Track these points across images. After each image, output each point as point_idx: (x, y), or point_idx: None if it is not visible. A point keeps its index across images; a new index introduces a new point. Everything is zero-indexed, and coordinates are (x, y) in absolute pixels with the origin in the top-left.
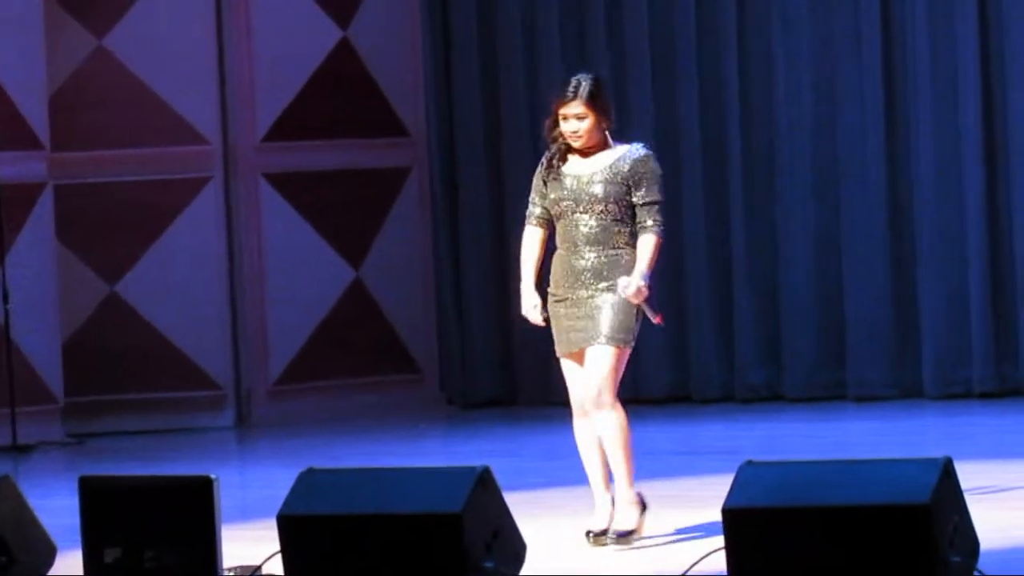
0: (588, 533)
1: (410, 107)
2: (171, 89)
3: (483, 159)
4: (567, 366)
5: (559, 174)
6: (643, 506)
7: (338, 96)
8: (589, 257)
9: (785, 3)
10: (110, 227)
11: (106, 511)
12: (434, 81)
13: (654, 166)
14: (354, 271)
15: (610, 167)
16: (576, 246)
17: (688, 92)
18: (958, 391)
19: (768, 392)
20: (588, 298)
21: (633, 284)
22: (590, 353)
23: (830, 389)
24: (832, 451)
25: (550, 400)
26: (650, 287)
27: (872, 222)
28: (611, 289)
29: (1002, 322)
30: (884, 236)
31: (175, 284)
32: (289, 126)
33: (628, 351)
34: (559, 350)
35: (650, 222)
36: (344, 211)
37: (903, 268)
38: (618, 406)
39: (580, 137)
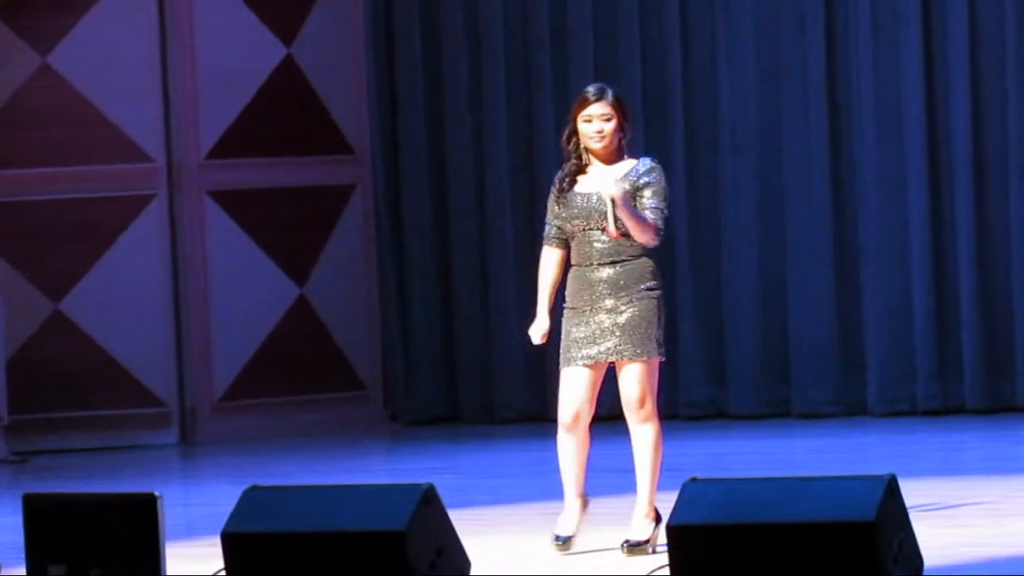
0: (557, 538)
1: (354, 124)
2: (115, 107)
3: (427, 177)
4: (571, 376)
5: (569, 195)
6: (659, 519)
7: (282, 113)
8: (605, 271)
9: (729, 25)
10: (54, 244)
11: (50, 528)
12: (378, 99)
13: (661, 177)
14: (299, 288)
15: (618, 181)
16: (591, 261)
17: (631, 100)
18: (902, 409)
19: (712, 409)
20: (608, 311)
21: (621, 187)
22: (626, 369)
23: (774, 406)
24: (776, 468)
25: (493, 418)
26: (620, 230)
27: (816, 241)
28: (629, 299)
29: (946, 340)
30: (828, 255)
31: (119, 301)
32: (233, 143)
33: (661, 361)
34: (570, 359)
35: (651, 216)
36: (289, 228)
37: (847, 286)
38: (657, 420)
39: (604, 137)
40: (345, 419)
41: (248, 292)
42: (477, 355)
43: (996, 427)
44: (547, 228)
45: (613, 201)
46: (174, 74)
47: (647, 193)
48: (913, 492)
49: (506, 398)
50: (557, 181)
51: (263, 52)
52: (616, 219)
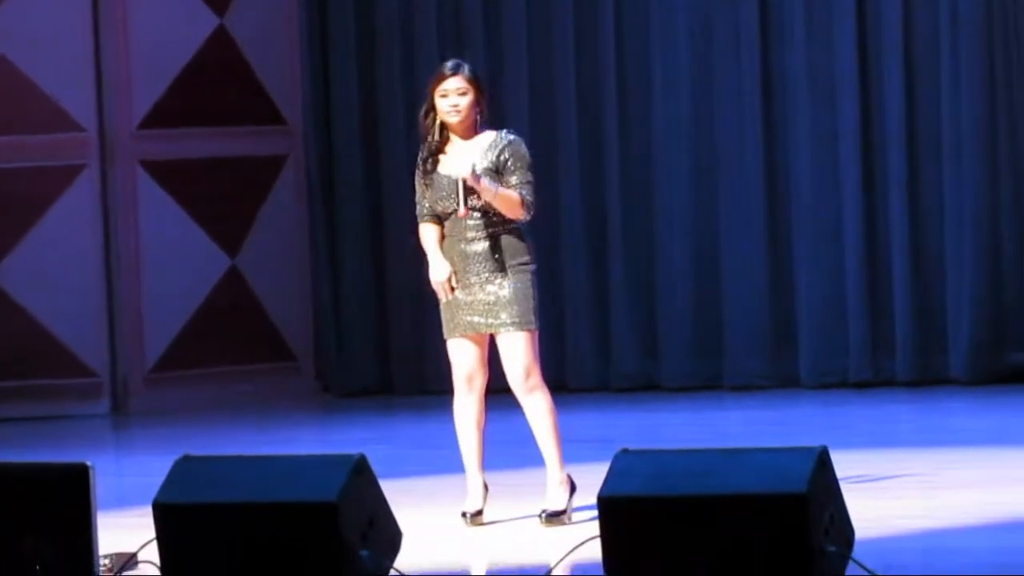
0: (464, 514)
1: (287, 95)
2: (46, 76)
3: (359, 147)
4: (457, 345)
5: (432, 177)
6: (573, 487)
7: (215, 84)
8: (479, 244)
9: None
10: None
11: None
12: (311, 69)
13: (523, 151)
14: (230, 259)
15: (482, 156)
16: (463, 235)
17: (565, 85)
18: (834, 381)
19: (644, 381)
20: (483, 284)
21: (470, 166)
22: (505, 340)
23: (707, 379)
24: (708, 440)
25: (425, 389)
26: (480, 207)
27: (750, 213)
28: (504, 273)
29: (878, 313)
30: (761, 227)
31: (51, 272)
32: (166, 113)
33: (537, 333)
34: (451, 331)
35: (519, 191)
36: (221, 199)
37: (780, 259)
38: (546, 389)
39: (460, 111)
40: (277, 390)
41: (180, 263)
42: (409, 327)
43: (927, 400)
44: (418, 207)
45: (464, 181)
46: (106, 43)
47: (510, 167)
48: (845, 464)
49: (438, 370)
50: (420, 163)
51: (196, 22)
52: (467, 198)
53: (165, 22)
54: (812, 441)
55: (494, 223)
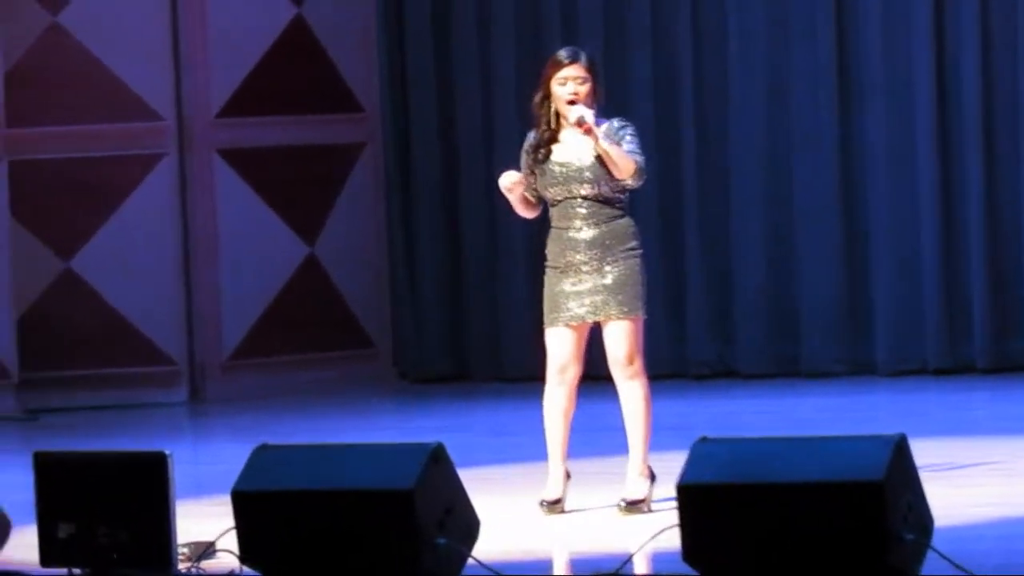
0: (542, 503)
1: (364, 83)
2: (125, 65)
3: (436, 134)
4: (557, 333)
5: (545, 166)
6: (652, 477)
7: (292, 72)
8: (587, 232)
9: None
10: (64, 203)
11: (60, 487)
12: (387, 56)
13: (632, 128)
14: (308, 247)
15: (593, 145)
16: (573, 224)
17: (641, 69)
18: (911, 367)
19: (720, 368)
20: (592, 271)
21: (589, 114)
22: (612, 327)
23: (783, 365)
24: (785, 428)
25: (503, 376)
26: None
27: (825, 197)
28: (614, 259)
29: (955, 299)
30: (837, 211)
31: (129, 260)
32: (243, 102)
33: (644, 319)
34: (553, 320)
35: (633, 157)
36: (298, 187)
37: (856, 243)
38: (646, 378)
39: (579, 100)
40: (354, 377)
41: (257, 251)
42: (486, 313)
43: (1005, 387)
44: None
45: (583, 121)
46: (184, 32)
47: (626, 139)
48: (922, 452)
49: (515, 356)
50: (531, 150)
51: (273, 10)
52: (582, 118)
53: (243, 10)
54: (889, 429)
55: (603, 210)
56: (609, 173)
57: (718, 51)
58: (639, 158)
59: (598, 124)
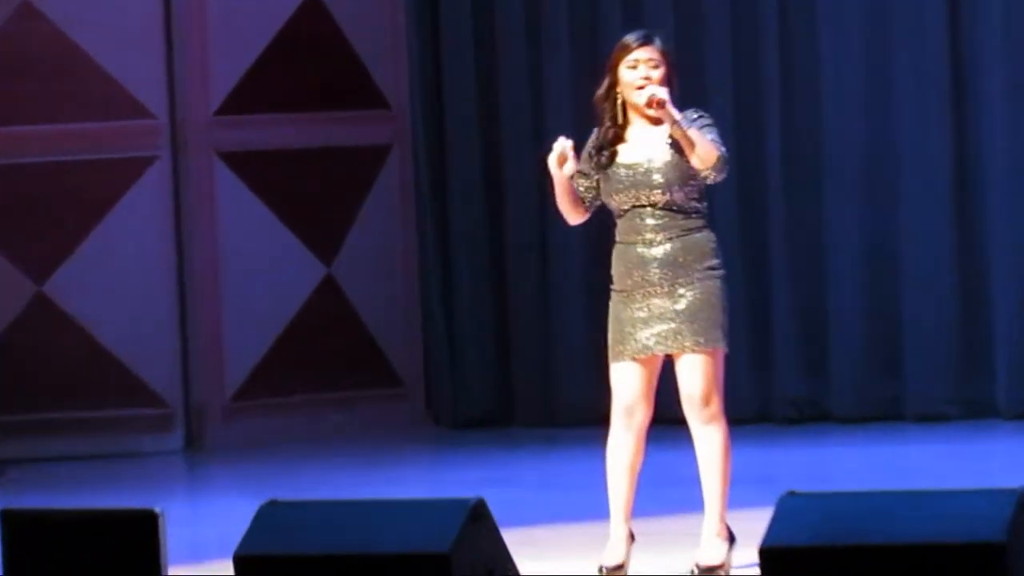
0: (601, 568)
1: (391, 75)
2: (110, 54)
3: (477, 136)
4: (623, 370)
5: (610, 170)
6: (732, 539)
7: (306, 62)
8: (659, 248)
9: None
10: (38, 215)
11: (33, 550)
12: (419, 44)
13: (710, 119)
14: (325, 267)
15: (665, 144)
16: (643, 238)
17: (718, 67)
18: None
19: (812, 410)
20: (665, 294)
21: (664, 92)
22: (687, 360)
23: (885, 406)
24: (888, 480)
25: (554, 420)
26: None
27: (934, 215)
28: (690, 280)
29: None
30: (948, 231)
31: (114, 282)
32: (248, 97)
33: (725, 352)
34: (619, 353)
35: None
36: (313, 196)
37: (970, 267)
38: (725, 421)
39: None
40: (380, 421)
41: (265, 272)
42: (535, 346)
43: None
44: (574, 186)
45: (656, 99)
46: (179, 14)
47: (704, 130)
48: None
49: (568, 397)
50: (593, 152)
51: None
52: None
53: None
54: (1012, 481)
55: (677, 221)
56: (684, 176)
57: (808, 45)
58: (722, 149)
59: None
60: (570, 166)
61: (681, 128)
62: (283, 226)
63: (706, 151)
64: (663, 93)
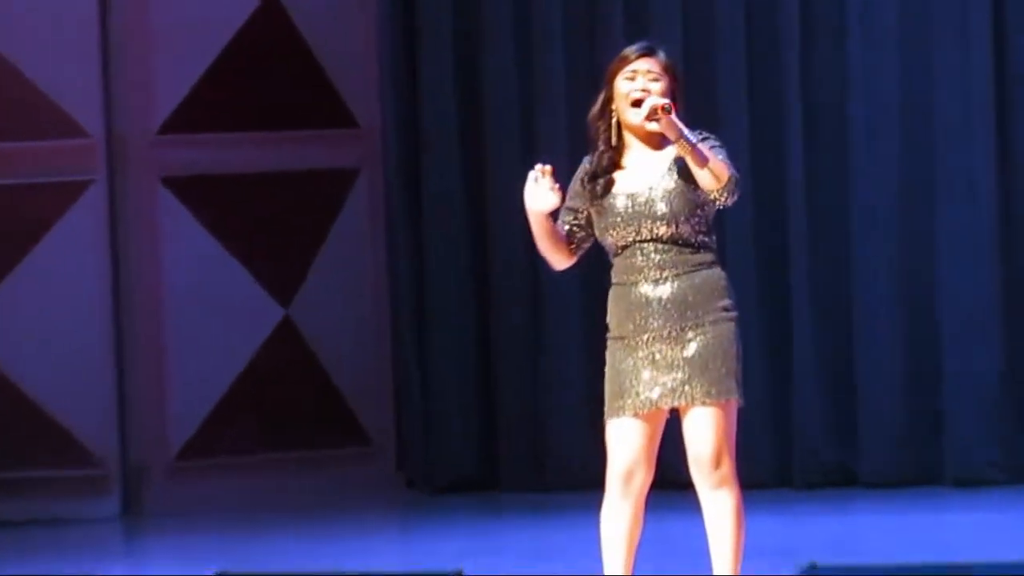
0: None
1: (360, 88)
2: (39, 65)
3: (458, 158)
4: (621, 426)
5: (605, 201)
6: None
7: (262, 74)
8: (664, 288)
9: None
10: None
11: None
12: (392, 55)
13: (717, 140)
14: (283, 308)
15: (669, 170)
16: (645, 276)
17: (730, 77)
18: None
19: (838, 473)
20: (671, 339)
21: (664, 101)
22: (696, 414)
23: (921, 469)
24: (924, 552)
25: (543, 484)
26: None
27: (977, 251)
28: (699, 323)
29: None
30: (994, 270)
31: (42, 325)
32: (196, 113)
33: (740, 405)
34: (618, 408)
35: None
36: (270, 228)
37: (1020, 313)
38: (737, 485)
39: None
40: (346, 484)
41: (215, 313)
42: (523, 398)
43: None
44: (560, 223)
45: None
46: (117, 22)
47: (714, 148)
48: None
49: (560, 457)
50: (586, 179)
51: None
52: (653, 113)
53: None
54: None
55: (684, 256)
56: (691, 205)
57: (834, 56)
58: (733, 169)
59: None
60: (551, 198)
61: (689, 143)
62: (235, 261)
63: (718, 169)
64: (666, 102)
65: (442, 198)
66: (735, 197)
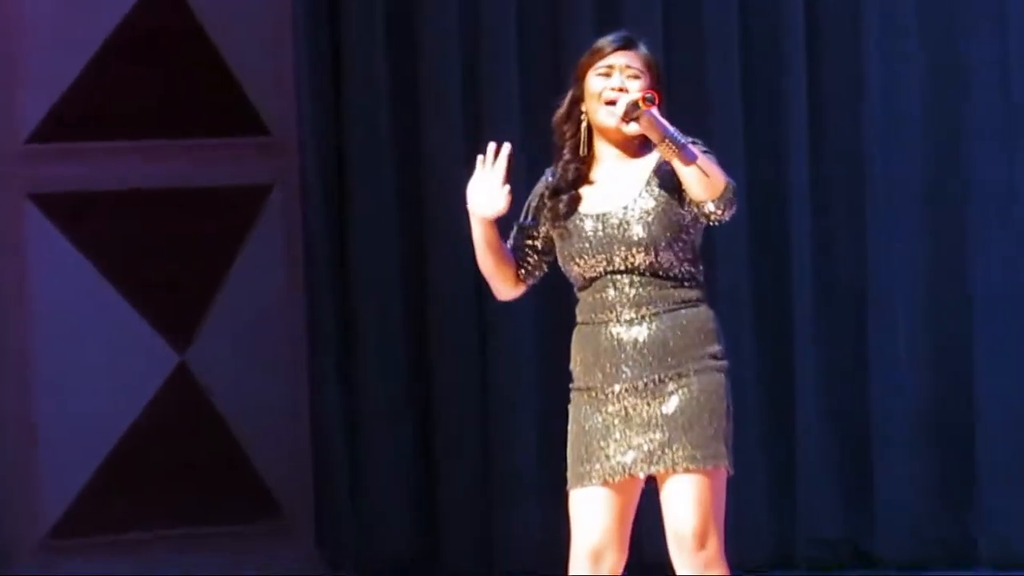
0: None
1: (272, 90)
2: None
3: (391, 173)
4: (588, 498)
5: (570, 222)
6: None
7: (153, 72)
8: (640, 330)
9: None
10: None
11: None
12: (310, 48)
13: (705, 145)
14: (177, 354)
15: (648, 184)
16: (617, 315)
17: (723, 81)
18: None
19: (850, 553)
20: (647, 391)
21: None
22: (677, 484)
23: (951, 548)
24: None
25: (492, 566)
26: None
27: (1012, 289)
28: (682, 372)
29: None
30: None
31: None
32: (72, 119)
33: (729, 473)
34: (583, 476)
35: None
36: (161, 255)
37: None
38: (726, 567)
39: None
40: (253, 565)
41: (96, 359)
42: (468, 463)
43: None
44: (510, 242)
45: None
46: None
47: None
48: None
49: (512, 534)
50: (548, 195)
51: None
52: (633, 110)
53: None
54: None
55: (667, 291)
56: (674, 228)
57: (845, 54)
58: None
59: (648, 156)
60: (500, 199)
61: (676, 142)
62: (120, 296)
63: (714, 174)
64: (646, 93)
65: (371, 219)
66: (733, 210)
